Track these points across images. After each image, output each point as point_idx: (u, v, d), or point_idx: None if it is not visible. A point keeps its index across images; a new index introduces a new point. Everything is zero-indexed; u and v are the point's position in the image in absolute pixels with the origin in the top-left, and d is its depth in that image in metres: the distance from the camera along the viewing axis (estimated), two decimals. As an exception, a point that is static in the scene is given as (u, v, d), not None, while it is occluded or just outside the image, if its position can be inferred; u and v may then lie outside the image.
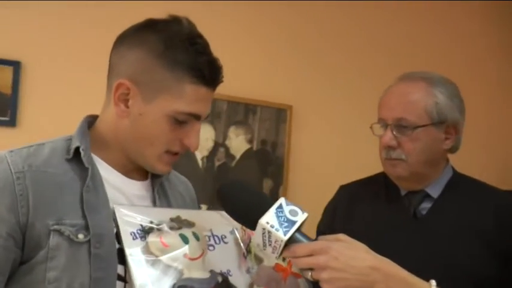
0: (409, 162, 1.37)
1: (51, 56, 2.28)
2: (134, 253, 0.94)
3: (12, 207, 0.91)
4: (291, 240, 0.96)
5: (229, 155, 2.62)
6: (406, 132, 1.36)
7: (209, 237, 1.11)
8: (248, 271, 1.13)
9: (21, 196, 0.91)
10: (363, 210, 1.48)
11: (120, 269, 0.96)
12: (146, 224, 0.99)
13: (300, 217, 0.98)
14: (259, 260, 1.17)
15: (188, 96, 0.98)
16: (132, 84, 0.98)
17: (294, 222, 0.96)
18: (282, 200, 0.99)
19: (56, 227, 0.92)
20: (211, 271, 1.02)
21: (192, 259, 0.99)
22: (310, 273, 0.96)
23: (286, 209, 0.98)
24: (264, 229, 0.96)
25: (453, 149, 1.45)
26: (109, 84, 1.04)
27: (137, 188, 1.08)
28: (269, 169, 2.68)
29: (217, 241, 1.12)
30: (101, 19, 2.34)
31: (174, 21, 1.01)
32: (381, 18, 2.95)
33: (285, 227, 0.96)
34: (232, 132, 2.63)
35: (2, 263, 0.90)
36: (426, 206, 1.42)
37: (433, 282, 0.99)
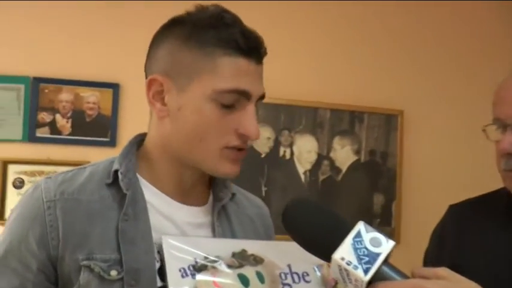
0: None
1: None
2: (181, 295, 0.79)
3: (42, 240, 0.83)
4: (376, 277, 0.75)
5: (334, 168, 2.43)
6: None
7: (285, 274, 0.92)
8: (333, 316, 0.94)
9: (51, 228, 0.83)
10: (479, 237, 1.19)
11: None
12: (200, 259, 0.84)
13: (385, 248, 0.76)
14: None
15: (225, 70, 0.84)
16: (165, 78, 0.87)
17: (376, 256, 0.75)
18: (360, 226, 0.79)
19: (85, 262, 0.82)
20: (280, 317, 0.84)
21: (252, 305, 0.82)
22: None
23: (366, 237, 0.77)
24: (339, 266, 0.76)
25: None
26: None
27: (191, 214, 0.93)
28: (380, 182, 2.43)
29: (297, 279, 0.93)
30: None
31: (199, 10, 0.88)
32: (494, 18, 2.57)
33: (366, 263, 0.75)
34: (337, 143, 2.44)
35: None
36: None
37: None
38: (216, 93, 0.84)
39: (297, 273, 0.94)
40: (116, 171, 0.89)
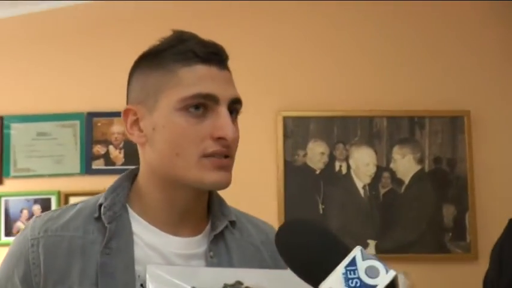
0: None
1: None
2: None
3: (25, 278, 0.84)
4: None
5: (396, 180, 2.27)
6: None
7: (282, 309, 0.81)
8: None
9: (34, 265, 0.84)
10: None
11: None
12: (185, 291, 0.75)
13: (382, 280, 0.64)
14: None
15: (186, 79, 0.85)
16: (137, 106, 0.88)
17: None
18: (356, 252, 0.66)
19: None
20: None
21: None
22: None
23: (362, 265, 0.65)
24: None
25: None
26: None
27: (182, 245, 0.86)
28: (449, 192, 2.24)
29: (301, 312, 0.82)
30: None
31: (160, 39, 0.90)
32: None
33: None
34: (397, 152, 2.28)
35: None
36: None
37: None
38: (181, 101, 0.83)
39: None
40: (100, 205, 0.88)
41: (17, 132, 2.40)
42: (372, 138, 2.26)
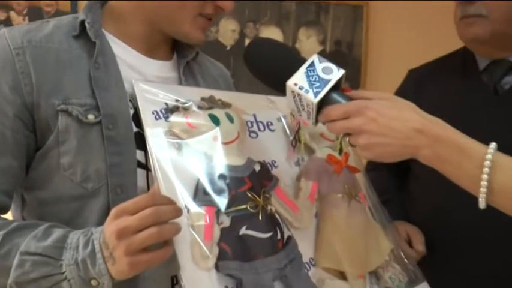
0: (491, 18, 1.11)
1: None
2: (155, 134, 0.81)
3: (14, 86, 0.82)
4: (326, 102, 0.80)
5: (300, 59, 2.42)
6: None
7: (251, 122, 0.96)
8: (297, 163, 0.98)
9: (22, 74, 0.82)
10: (433, 92, 1.24)
11: (140, 156, 0.84)
12: (171, 102, 0.85)
13: (335, 75, 0.82)
14: (310, 151, 1.01)
15: None
16: None
17: (326, 82, 0.80)
18: (314, 57, 0.83)
19: (62, 106, 0.81)
20: (249, 158, 0.87)
21: (224, 143, 0.85)
22: (347, 140, 0.81)
23: (319, 66, 0.82)
24: (293, 92, 0.81)
25: None
26: None
27: (159, 68, 0.94)
28: (346, 71, 2.44)
29: (262, 128, 0.97)
30: None
31: None
32: None
33: (316, 87, 0.80)
34: (303, 33, 2.43)
35: (13, 145, 0.82)
36: (510, 79, 1.16)
37: (493, 145, 0.76)
38: None
39: (262, 122, 0.97)
40: (83, 22, 0.88)
41: None
42: (280, 19, 2.39)
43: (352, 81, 2.45)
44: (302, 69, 0.82)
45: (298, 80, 0.82)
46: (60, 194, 0.82)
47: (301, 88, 0.81)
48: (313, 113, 0.82)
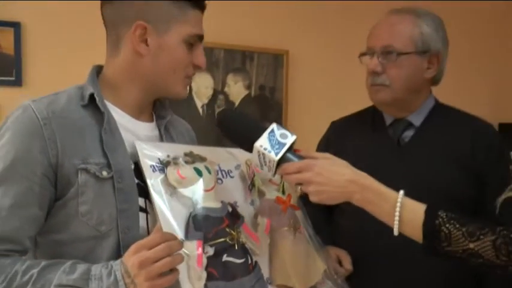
0: (392, 87, 1.44)
1: (50, 16, 2.33)
2: (155, 184, 1.03)
3: (43, 150, 0.99)
4: (283, 160, 1.08)
5: (228, 102, 2.70)
6: (391, 58, 1.42)
7: (217, 171, 1.19)
8: (252, 203, 1.22)
9: (49, 140, 0.99)
10: (352, 142, 1.56)
11: (141, 202, 1.06)
12: (164, 157, 1.08)
13: (290, 139, 1.09)
14: (261, 194, 1.25)
15: (192, 19, 1.10)
16: (147, 23, 1.06)
17: (284, 144, 1.08)
18: (273, 126, 1.10)
19: (82, 166, 1.00)
20: (222, 201, 1.12)
21: (205, 190, 1.09)
22: (299, 188, 1.08)
23: (278, 133, 1.10)
24: (259, 152, 1.07)
25: (436, 80, 1.52)
26: (113, 35, 1.11)
27: (146, 129, 1.15)
28: (270, 114, 2.76)
29: (225, 175, 1.20)
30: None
31: None
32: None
33: (277, 149, 1.07)
34: (231, 79, 2.69)
35: (41, 199, 0.99)
36: (409, 134, 1.50)
37: (401, 193, 1.08)
38: (189, 36, 1.09)
39: (224, 171, 1.20)
40: (92, 94, 1.07)
41: None
42: (211, 66, 2.61)
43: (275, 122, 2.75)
44: (265, 135, 1.09)
45: (262, 142, 1.08)
46: (78, 236, 1.01)
47: (265, 149, 1.07)
48: (273, 168, 1.08)
